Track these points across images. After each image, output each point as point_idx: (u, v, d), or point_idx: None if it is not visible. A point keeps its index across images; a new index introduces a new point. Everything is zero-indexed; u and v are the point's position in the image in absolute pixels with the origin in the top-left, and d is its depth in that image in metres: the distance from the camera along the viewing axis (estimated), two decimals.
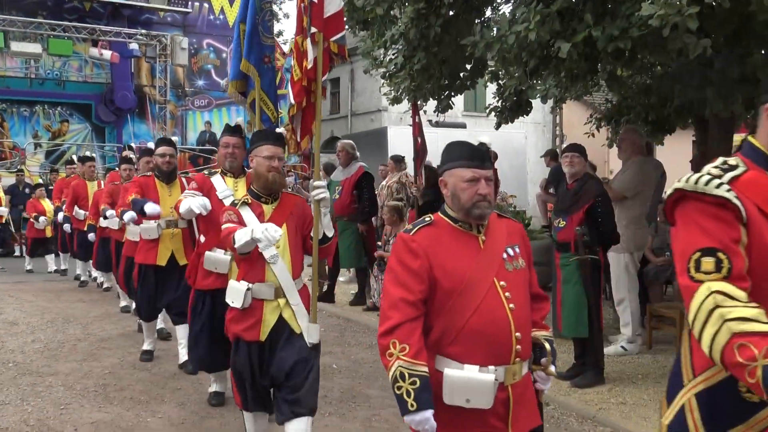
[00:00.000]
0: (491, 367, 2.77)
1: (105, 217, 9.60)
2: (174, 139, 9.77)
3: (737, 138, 14.16)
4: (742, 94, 7.60)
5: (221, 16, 22.13)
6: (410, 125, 10.70)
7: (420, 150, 9.86)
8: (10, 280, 13.53)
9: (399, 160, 12.19)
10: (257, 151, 4.41)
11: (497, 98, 10.27)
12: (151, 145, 11.98)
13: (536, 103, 10.19)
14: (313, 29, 4.44)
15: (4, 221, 15.37)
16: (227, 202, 5.14)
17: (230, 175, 5.68)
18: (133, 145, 16.32)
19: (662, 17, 5.39)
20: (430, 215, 3.07)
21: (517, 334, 2.83)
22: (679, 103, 8.52)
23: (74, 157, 15.58)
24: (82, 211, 11.93)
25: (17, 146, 19.40)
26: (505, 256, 2.95)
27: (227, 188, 5.53)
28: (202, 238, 5.68)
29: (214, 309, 5.47)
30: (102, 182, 11.97)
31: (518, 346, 2.83)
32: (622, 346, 7.70)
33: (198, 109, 21.47)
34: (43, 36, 18.45)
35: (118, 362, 7.59)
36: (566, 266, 6.73)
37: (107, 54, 19.01)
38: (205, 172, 5.70)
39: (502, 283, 2.87)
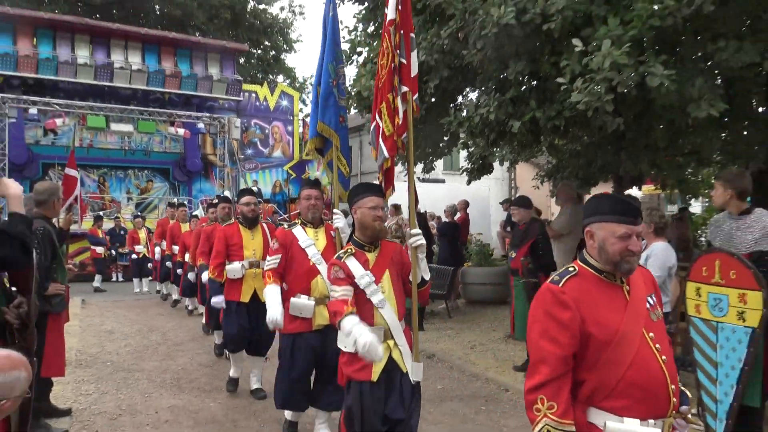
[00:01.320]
0: (651, 421, 2.18)
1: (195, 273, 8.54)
2: (255, 189, 8.68)
3: (644, 189, 14.19)
4: (647, 157, 7.65)
5: (265, 102, 22.28)
6: (405, 181, 10.72)
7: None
8: (110, 299, 13.45)
9: (397, 207, 12.18)
10: (361, 203, 3.59)
11: (468, 161, 10.32)
12: (227, 193, 11.90)
13: (496, 164, 10.25)
14: (404, 88, 3.68)
15: (105, 256, 15.40)
16: (310, 252, 4.53)
17: (310, 226, 4.72)
18: (225, 194, 16.39)
19: (587, 103, 5.43)
20: (573, 265, 2.39)
21: (672, 386, 2.22)
22: (601, 164, 8.57)
23: (174, 201, 15.21)
24: (176, 247, 11.38)
25: (115, 199, 19.54)
26: (648, 306, 2.34)
27: (308, 238, 4.63)
28: (285, 286, 4.69)
29: (300, 352, 4.63)
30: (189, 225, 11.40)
31: (674, 399, 2.23)
32: None
33: (247, 170, 21.55)
34: (134, 119, 18.57)
35: (188, 361, 7.51)
36: (517, 286, 6.73)
37: (181, 131, 19.10)
38: (284, 225, 4.84)
39: (651, 334, 2.26)
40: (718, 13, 5.44)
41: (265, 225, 6.33)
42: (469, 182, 10.46)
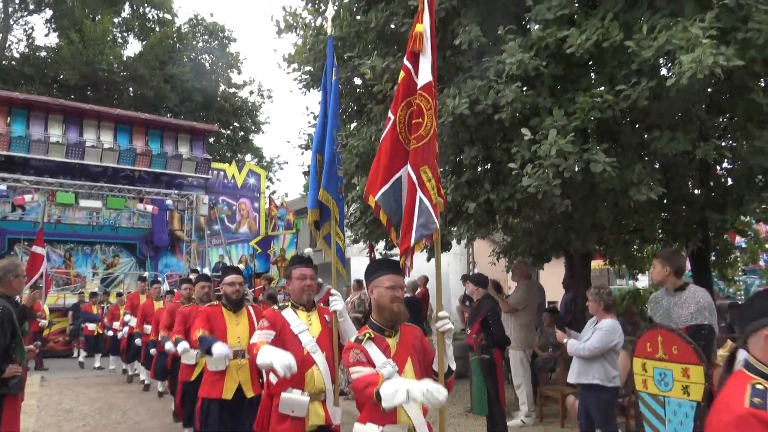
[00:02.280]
0: None
1: (163, 347, 7.61)
2: (241, 267, 7.14)
3: (594, 264, 14.46)
4: (594, 236, 7.84)
5: (232, 180, 22.35)
6: (368, 257, 10.75)
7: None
8: (69, 375, 12.88)
9: (359, 283, 12.15)
10: (378, 282, 3.09)
11: (427, 240, 10.41)
12: (206, 271, 11.04)
13: (454, 241, 10.36)
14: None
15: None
16: (304, 339, 3.71)
17: (302, 309, 3.90)
18: (198, 269, 15.99)
19: (536, 186, 5.60)
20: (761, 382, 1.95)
21: None
22: (552, 241, 8.74)
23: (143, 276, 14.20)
24: (148, 327, 10.01)
25: (80, 274, 19.03)
26: None
27: (301, 322, 3.82)
28: (273, 378, 3.71)
29: None
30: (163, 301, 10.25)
31: None
32: (522, 420, 7.54)
33: (214, 246, 21.34)
34: (104, 195, 18.37)
35: None
36: (473, 362, 6.68)
37: (150, 208, 18.91)
38: (275, 306, 4.02)
39: None
40: (652, 106, 5.76)
41: (251, 308, 5.32)
42: (428, 259, 10.52)
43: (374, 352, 2.96)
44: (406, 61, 3.45)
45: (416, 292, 12.59)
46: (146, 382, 11.04)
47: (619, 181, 5.93)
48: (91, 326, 14.25)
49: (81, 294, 16.40)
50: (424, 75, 3.31)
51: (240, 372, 4.93)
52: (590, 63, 6.41)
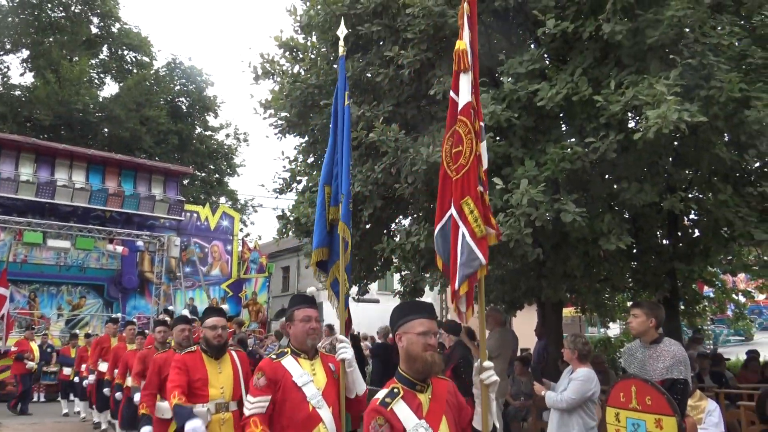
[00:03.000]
0: None
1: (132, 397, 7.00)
2: (224, 308, 5.55)
3: (566, 311, 14.55)
4: (566, 284, 7.91)
5: (206, 222, 22.17)
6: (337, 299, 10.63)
7: (347, 322, 9.69)
8: (28, 421, 12.37)
9: (331, 327, 12.10)
10: (407, 327, 2.65)
11: (401, 284, 10.40)
12: (185, 312, 9.88)
13: (427, 288, 10.35)
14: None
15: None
16: (308, 392, 3.22)
17: (304, 356, 3.38)
18: (170, 308, 15.53)
19: (508, 235, 5.66)
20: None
21: None
22: (525, 289, 8.78)
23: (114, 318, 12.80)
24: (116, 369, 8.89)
25: (44, 315, 18.48)
26: None
27: (305, 372, 3.30)
28: None
29: None
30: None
31: None
32: None
33: (185, 288, 20.99)
34: (73, 235, 18.02)
35: None
36: None
37: (119, 249, 18.62)
38: (272, 355, 3.44)
39: None
40: (620, 159, 5.90)
41: (234, 353, 4.70)
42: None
43: (404, 411, 2.51)
44: (451, 92, 3.21)
45: (388, 338, 12.48)
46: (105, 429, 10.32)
47: (589, 230, 6.02)
48: (67, 370, 13.28)
49: (45, 335, 15.91)
50: (464, 95, 3.08)
51: (224, 428, 4.29)
52: (561, 115, 6.59)
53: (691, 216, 8.26)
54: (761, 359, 10.14)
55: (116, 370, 8.92)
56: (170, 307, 16.88)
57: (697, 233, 8.15)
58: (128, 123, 26.21)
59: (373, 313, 17.51)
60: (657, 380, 4.47)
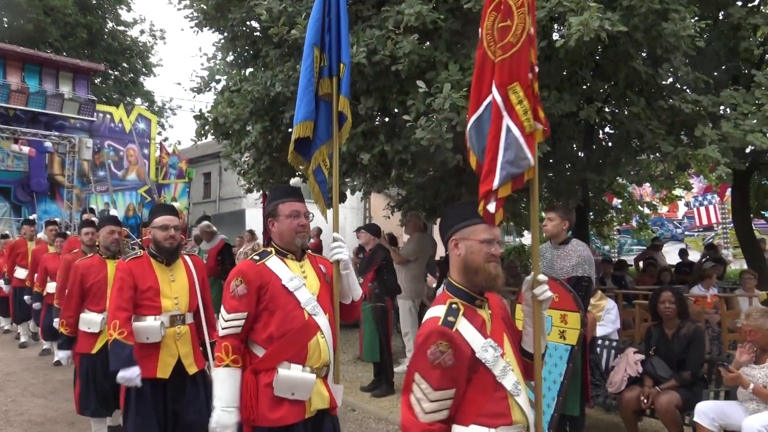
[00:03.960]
0: None
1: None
2: (176, 205, 4.70)
3: None
4: None
5: (120, 124, 21.10)
6: (261, 208, 10.54)
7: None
8: None
9: (252, 233, 12.03)
10: (467, 233, 2.24)
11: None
12: (114, 212, 8.13)
13: (351, 194, 10.37)
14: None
15: None
16: (302, 297, 2.81)
17: (292, 257, 2.92)
18: (93, 208, 14.76)
19: (430, 140, 5.65)
20: None
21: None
22: (445, 196, 8.93)
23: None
24: (52, 284, 7.42)
25: None
26: None
27: (295, 276, 2.85)
28: (260, 351, 2.77)
29: None
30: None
31: None
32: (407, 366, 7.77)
33: (99, 193, 20.17)
34: None
35: (20, 392, 6.80)
36: (365, 310, 6.79)
37: (26, 149, 17.56)
38: (255, 257, 2.91)
39: None
40: (541, 67, 5.91)
41: (188, 258, 4.08)
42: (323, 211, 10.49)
43: (469, 331, 2.13)
44: None
45: (309, 243, 12.56)
46: (44, 346, 9.08)
47: None
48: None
49: None
50: None
51: (179, 343, 3.79)
52: None
53: (606, 129, 8.53)
54: (658, 265, 10.90)
55: (51, 284, 7.65)
56: (92, 207, 16.21)
57: (610, 145, 8.45)
58: (30, 13, 24.03)
59: None
60: (564, 278, 4.72)
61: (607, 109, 7.36)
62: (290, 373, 2.72)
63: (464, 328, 2.12)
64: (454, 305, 2.17)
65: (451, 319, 2.11)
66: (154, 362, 3.67)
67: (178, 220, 3.94)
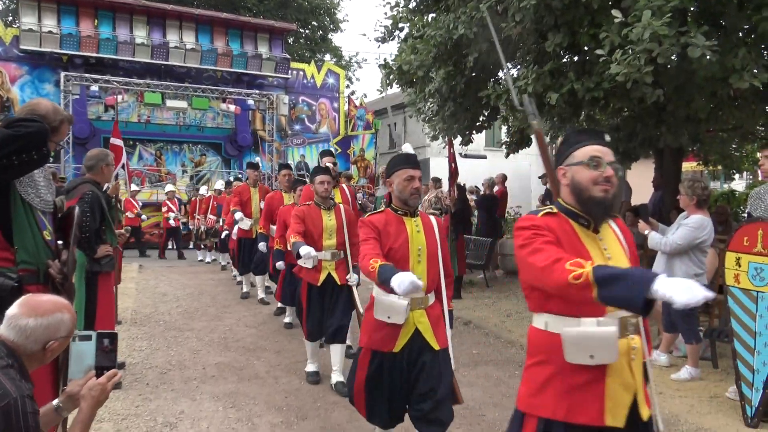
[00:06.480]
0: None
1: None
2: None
3: (686, 166, 13.69)
4: (688, 130, 7.36)
5: (312, 80, 22.28)
6: (446, 156, 10.59)
7: (453, 173, 9.52)
8: (166, 264, 13.84)
9: (437, 181, 12.10)
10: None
11: (507, 135, 10.14)
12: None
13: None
14: None
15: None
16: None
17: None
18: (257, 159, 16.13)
19: (626, 74, 5.24)
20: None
21: None
22: (641, 138, 8.27)
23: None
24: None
25: (171, 172, 19.94)
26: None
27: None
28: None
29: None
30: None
31: None
32: None
33: (295, 146, 21.69)
34: (189, 95, 18.86)
35: (235, 322, 7.63)
36: None
37: (232, 108, 19.33)
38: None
39: None
40: None
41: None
42: (507, 155, 10.28)
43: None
44: None
45: (494, 190, 12.42)
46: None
47: (719, 67, 5.45)
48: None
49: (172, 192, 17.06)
50: None
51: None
52: None
53: None
54: None
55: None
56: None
57: None
58: None
59: (480, 168, 17.36)
60: None
61: None
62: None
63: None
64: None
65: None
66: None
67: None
